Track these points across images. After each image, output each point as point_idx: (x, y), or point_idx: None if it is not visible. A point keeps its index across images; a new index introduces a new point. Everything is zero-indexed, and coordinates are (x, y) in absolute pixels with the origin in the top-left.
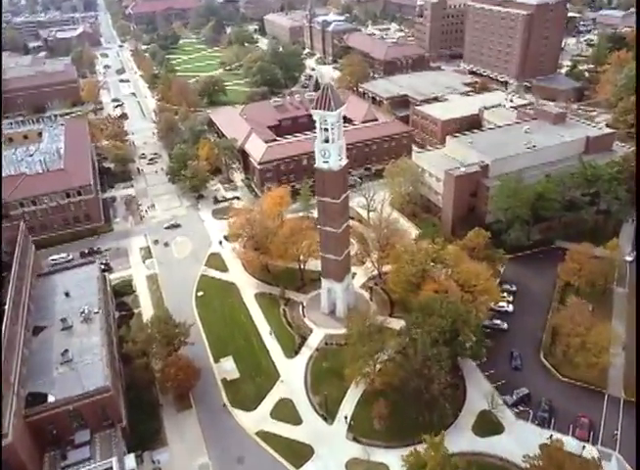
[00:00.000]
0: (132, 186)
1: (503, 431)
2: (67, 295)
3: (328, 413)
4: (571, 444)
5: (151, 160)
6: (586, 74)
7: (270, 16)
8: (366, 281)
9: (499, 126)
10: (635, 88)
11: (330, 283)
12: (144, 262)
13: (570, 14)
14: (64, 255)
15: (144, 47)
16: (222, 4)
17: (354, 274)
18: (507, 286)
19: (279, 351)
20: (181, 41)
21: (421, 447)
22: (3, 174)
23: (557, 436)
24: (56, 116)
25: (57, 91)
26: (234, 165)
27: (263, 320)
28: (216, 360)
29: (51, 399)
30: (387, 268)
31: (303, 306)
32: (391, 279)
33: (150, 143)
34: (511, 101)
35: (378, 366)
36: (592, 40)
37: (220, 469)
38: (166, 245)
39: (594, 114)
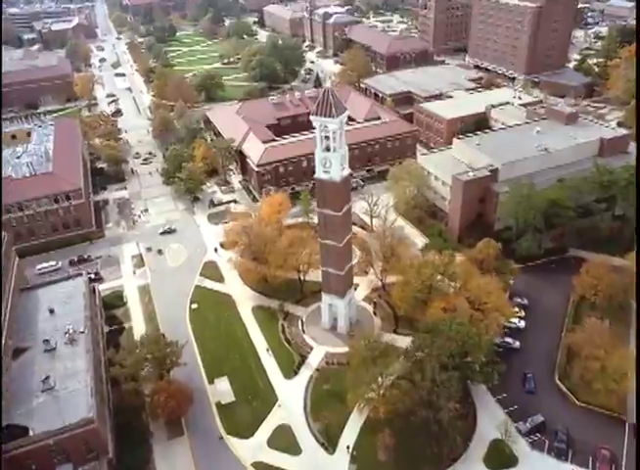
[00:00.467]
0: (125, 188)
1: (517, 463)
2: (51, 312)
3: (329, 442)
4: None
5: (145, 159)
6: (596, 69)
7: (270, 7)
8: (369, 293)
9: (509, 126)
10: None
11: (331, 298)
12: (134, 273)
13: (577, 5)
14: (52, 263)
15: (141, 39)
16: None
17: (356, 285)
18: (518, 299)
19: (277, 370)
20: (179, 33)
21: None
22: None
23: None
24: (45, 114)
25: (50, 86)
26: (231, 167)
27: (261, 336)
28: (210, 381)
29: (31, 432)
30: (391, 279)
31: (303, 322)
32: (397, 294)
33: (145, 141)
34: (519, 98)
35: (382, 391)
36: (600, 33)
37: None
38: (160, 252)
39: (605, 111)
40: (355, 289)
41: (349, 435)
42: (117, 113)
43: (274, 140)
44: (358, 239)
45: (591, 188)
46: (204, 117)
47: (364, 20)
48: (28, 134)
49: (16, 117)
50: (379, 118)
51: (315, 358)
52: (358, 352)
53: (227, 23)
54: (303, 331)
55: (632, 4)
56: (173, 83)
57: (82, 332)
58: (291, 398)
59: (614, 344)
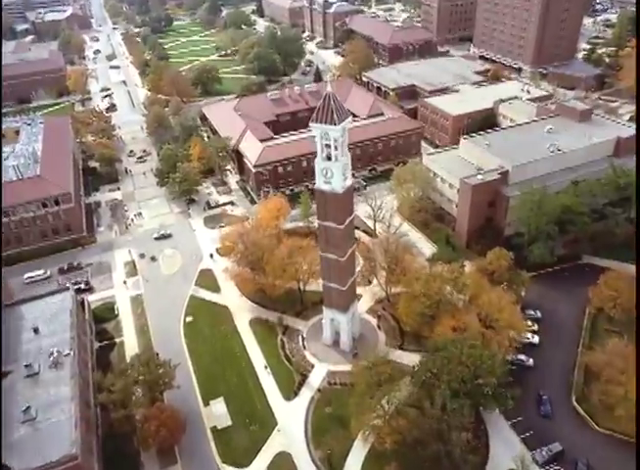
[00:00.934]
0: (119, 189)
1: None
2: (35, 331)
3: None
4: None
5: (140, 157)
6: (606, 60)
7: None
8: (373, 305)
9: (518, 124)
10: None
11: (333, 313)
12: (125, 283)
13: None
14: (40, 271)
15: (137, 30)
16: None
17: (359, 296)
18: (530, 312)
19: (276, 391)
20: (175, 23)
21: None
22: None
23: None
24: (35, 110)
25: (42, 80)
26: (228, 167)
27: (259, 352)
28: (206, 403)
29: None
30: (396, 289)
31: (303, 338)
32: (403, 309)
33: (139, 138)
34: (528, 92)
35: (388, 417)
36: (610, 20)
37: None
38: (153, 259)
39: (616, 104)
40: (358, 300)
41: (353, 464)
42: (112, 108)
43: (272, 138)
44: (361, 245)
45: (606, 190)
46: (200, 112)
47: (365, 9)
48: (17, 132)
49: (7, 112)
50: (382, 115)
51: (316, 378)
52: (362, 378)
53: (225, 12)
54: (304, 347)
55: None
56: (168, 77)
57: (67, 354)
58: (291, 422)
59: (635, 366)
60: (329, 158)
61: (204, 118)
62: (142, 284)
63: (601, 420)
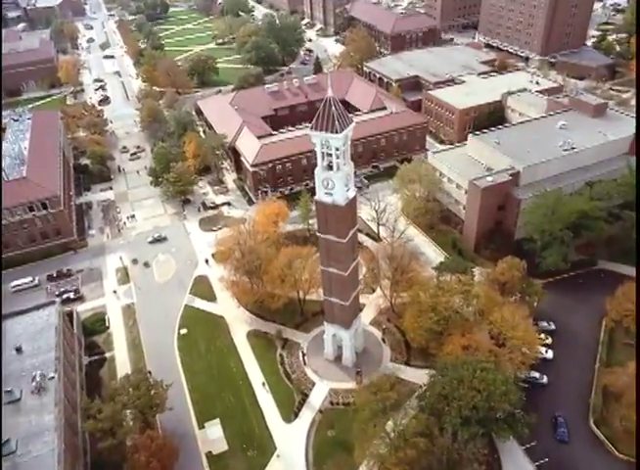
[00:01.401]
0: (111, 188)
1: None
2: (18, 350)
3: None
4: None
5: (133, 154)
6: (617, 48)
7: None
8: (377, 315)
9: (528, 120)
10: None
11: (335, 329)
12: (115, 293)
13: None
14: (28, 279)
15: (131, 17)
16: None
17: (362, 305)
18: (544, 324)
19: (275, 411)
20: (171, 10)
21: None
22: None
23: None
24: (26, 103)
25: (32, 71)
26: (225, 164)
27: (257, 368)
28: (200, 425)
29: None
30: (402, 297)
31: (304, 353)
32: (409, 324)
33: (133, 133)
34: (537, 83)
35: (394, 445)
36: (619, 5)
37: None
38: (146, 265)
39: (628, 95)
40: (361, 310)
41: None
42: (105, 100)
43: (270, 135)
44: (364, 250)
45: (622, 191)
46: (195, 106)
47: None
48: (3, 129)
49: None
50: (385, 109)
51: (318, 397)
52: (366, 403)
53: None
54: (304, 363)
55: None
56: (163, 67)
57: (52, 377)
58: (290, 446)
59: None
60: (330, 167)
61: (199, 112)
62: (134, 292)
63: (622, 446)
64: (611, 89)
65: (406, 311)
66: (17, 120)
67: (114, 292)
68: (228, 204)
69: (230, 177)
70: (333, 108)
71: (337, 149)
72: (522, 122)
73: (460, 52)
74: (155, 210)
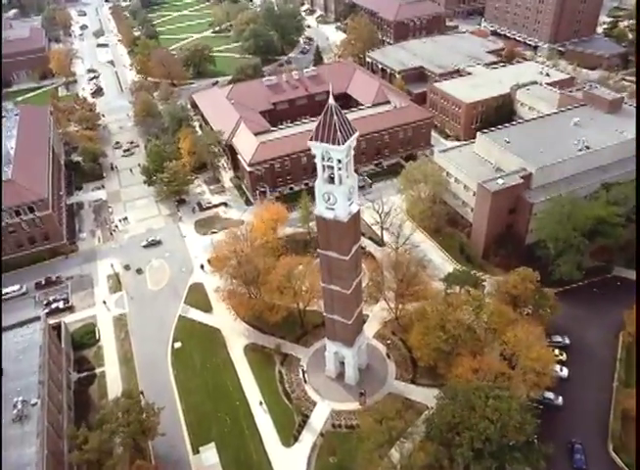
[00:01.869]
0: (103, 187)
1: None
2: None
3: None
4: None
5: (126, 150)
6: (629, 35)
7: None
8: (381, 328)
9: (540, 116)
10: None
11: (337, 347)
12: (105, 303)
13: None
14: (15, 287)
15: (125, 4)
16: None
17: (365, 317)
18: (558, 338)
19: (274, 434)
20: None
21: None
22: None
23: None
24: (16, 96)
25: (23, 62)
26: (221, 162)
27: (255, 387)
28: (195, 450)
29: None
30: (407, 309)
31: (304, 371)
32: (415, 342)
33: (126, 128)
34: (547, 75)
35: None
36: None
37: None
38: (139, 272)
39: None
40: (364, 322)
41: None
42: (98, 92)
43: (269, 131)
44: (367, 256)
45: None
46: (190, 99)
47: None
48: None
49: None
50: (388, 103)
51: (319, 418)
52: (371, 432)
53: None
54: (305, 381)
55: None
56: (157, 58)
57: (35, 404)
58: None
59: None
60: (331, 179)
61: (195, 105)
62: (126, 302)
63: None
64: (623, 79)
65: (413, 327)
66: (5, 117)
67: (104, 303)
68: (225, 204)
69: (227, 176)
70: (335, 117)
71: (339, 161)
72: (533, 119)
73: (466, 41)
74: (148, 210)
